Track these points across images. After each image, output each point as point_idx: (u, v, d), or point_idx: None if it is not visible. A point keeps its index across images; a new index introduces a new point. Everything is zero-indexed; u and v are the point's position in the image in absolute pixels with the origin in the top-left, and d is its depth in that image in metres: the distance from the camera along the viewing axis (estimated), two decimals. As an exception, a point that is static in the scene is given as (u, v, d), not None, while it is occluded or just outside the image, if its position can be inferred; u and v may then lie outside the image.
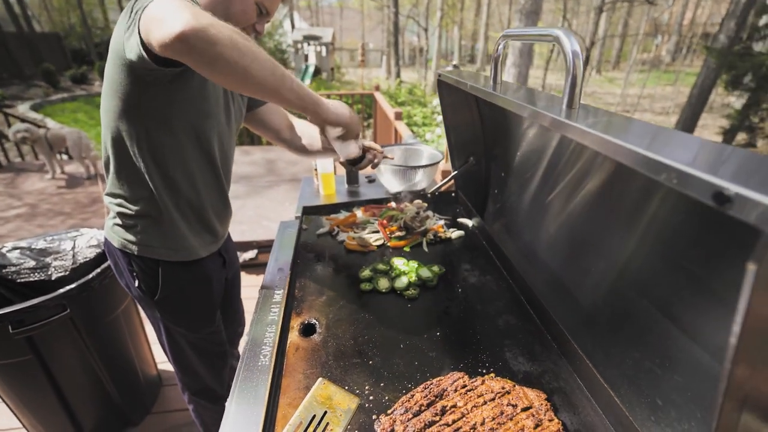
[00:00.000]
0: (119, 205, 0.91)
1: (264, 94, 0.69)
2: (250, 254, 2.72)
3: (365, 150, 1.06)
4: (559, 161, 0.88)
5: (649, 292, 0.62)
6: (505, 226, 1.25)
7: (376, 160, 1.08)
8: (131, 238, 0.92)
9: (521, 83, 7.36)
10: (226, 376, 1.21)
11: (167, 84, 0.77)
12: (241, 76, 0.64)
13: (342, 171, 4.04)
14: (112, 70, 0.77)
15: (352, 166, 1.05)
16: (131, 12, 0.68)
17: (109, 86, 0.79)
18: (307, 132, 1.15)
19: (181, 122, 0.83)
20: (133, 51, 0.68)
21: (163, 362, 1.85)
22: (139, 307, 1.09)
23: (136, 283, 0.96)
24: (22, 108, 11.27)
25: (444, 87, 1.29)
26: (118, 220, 0.93)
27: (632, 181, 0.64)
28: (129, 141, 0.83)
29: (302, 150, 1.16)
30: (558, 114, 0.58)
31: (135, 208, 0.90)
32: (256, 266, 2.71)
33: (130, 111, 0.79)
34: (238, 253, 2.56)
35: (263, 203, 3.36)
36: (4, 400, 1.36)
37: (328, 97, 5.31)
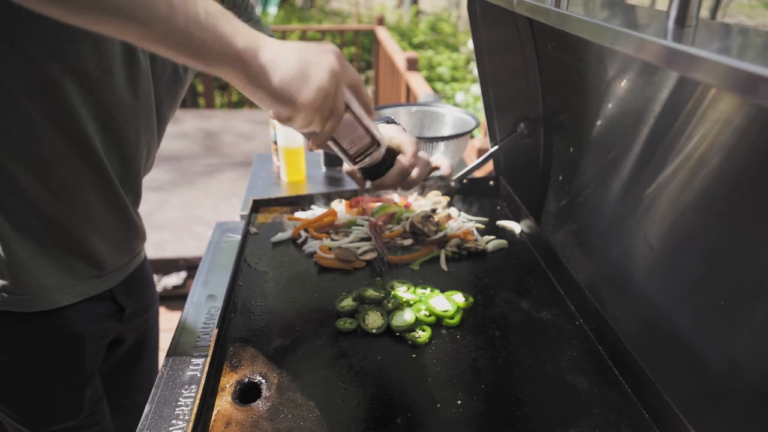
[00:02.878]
0: None
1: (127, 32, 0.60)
2: (174, 279, 2.74)
3: (391, 149, 0.95)
4: (670, 127, 0.86)
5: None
6: (576, 235, 1.24)
7: (415, 175, 0.99)
8: None
9: None
10: None
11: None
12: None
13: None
14: None
15: (371, 179, 0.97)
16: None
17: None
18: None
19: (19, 75, 0.77)
20: None
21: None
22: None
23: None
24: None
25: (479, 11, 1.29)
26: None
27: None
28: None
29: None
30: (662, 35, 0.56)
31: None
32: (182, 298, 2.71)
33: None
34: (156, 278, 2.55)
35: (197, 199, 3.38)
36: None
37: (304, 37, 5.29)
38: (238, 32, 0.65)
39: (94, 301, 1.00)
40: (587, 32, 0.70)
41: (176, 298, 2.70)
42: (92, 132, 0.86)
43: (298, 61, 0.69)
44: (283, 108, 0.71)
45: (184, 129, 4.52)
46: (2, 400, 0.99)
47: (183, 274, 2.77)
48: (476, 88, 5.50)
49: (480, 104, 5.22)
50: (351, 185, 1.56)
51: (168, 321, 1.42)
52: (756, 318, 0.70)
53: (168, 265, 2.73)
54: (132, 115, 0.91)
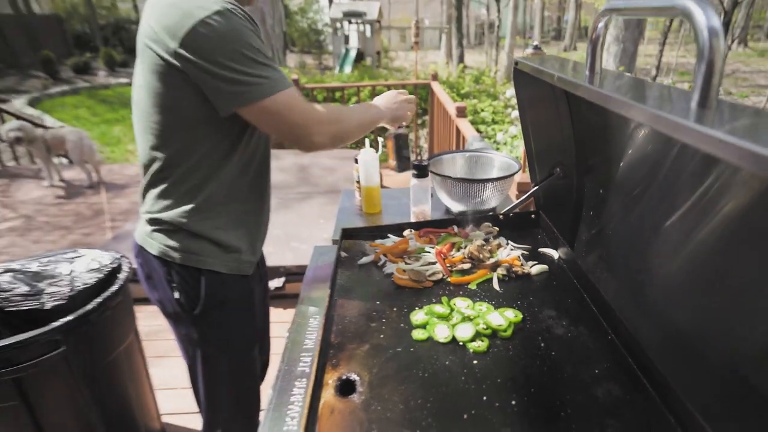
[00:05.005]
0: (164, 209, 1.05)
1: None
2: (276, 283, 2.81)
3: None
4: (682, 173, 0.84)
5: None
6: (605, 260, 1.22)
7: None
8: (174, 244, 1.05)
9: (628, 65, 7.14)
10: (256, 425, 1.28)
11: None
12: (336, 147, 1.11)
13: (390, 182, 4.08)
14: (170, 86, 0.95)
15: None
16: (234, 77, 0.91)
17: (165, 100, 0.96)
18: None
19: (257, 135, 1.10)
20: (224, 106, 0.95)
21: (169, 414, 1.94)
22: (173, 328, 1.22)
23: (176, 295, 1.09)
24: (18, 103, 12.51)
25: (522, 77, 1.29)
26: (160, 227, 1.06)
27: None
28: (195, 153, 1.01)
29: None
30: (686, 116, 0.56)
31: (183, 220, 1.04)
32: (282, 298, 2.80)
33: (196, 126, 0.99)
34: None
35: (293, 220, 3.47)
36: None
37: (374, 91, 5.42)
38: (376, 108, 1.26)
39: (255, 269, 1.25)
40: (617, 106, 0.70)
41: (277, 297, 2.80)
42: (266, 159, 1.21)
43: (393, 105, 1.30)
44: (394, 122, 1.32)
45: (283, 164, 4.67)
46: (210, 334, 1.17)
47: (282, 279, 2.86)
48: (513, 129, 5.44)
49: (516, 141, 5.19)
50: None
51: (271, 314, 1.50)
52: (756, 335, 0.68)
53: (272, 272, 2.82)
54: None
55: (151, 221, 1.08)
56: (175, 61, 0.90)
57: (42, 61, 15.70)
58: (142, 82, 0.99)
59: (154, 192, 1.06)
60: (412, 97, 1.37)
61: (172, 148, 1.01)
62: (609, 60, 7.20)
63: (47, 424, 1.40)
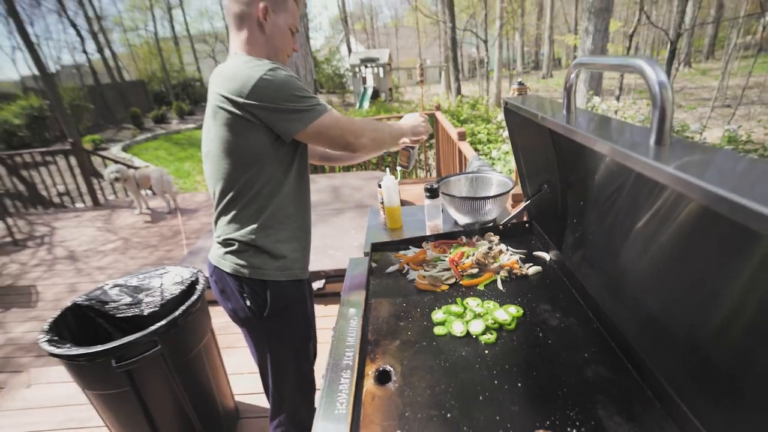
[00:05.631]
0: (234, 230, 1.10)
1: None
2: (318, 284, 2.84)
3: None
4: (644, 189, 0.83)
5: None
6: (588, 260, 1.19)
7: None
8: (243, 262, 1.09)
9: (595, 88, 7.00)
10: (313, 407, 1.30)
11: (294, 142, 1.08)
12: (378, 150, 1.19)
13: (406, 195, 4.09)
14: (238, 135, 1.01)
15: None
16: (293, 109, 0.99)
17: (232, 146, 1.02)
18: None
19: (299, 165, 1.13)
20: (290, 132, 1.01)
21: (240, 394, 1.97)
22: (245, 332, 1.24)
23: (248, 303, 1.12)
24: (115, 149, 12.99)
25: (511, 112, 1.28)
26: (231, 248, 1.10)
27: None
28: (256, 184, 1.05)
29: (324, 158, 1.42)
30: (646, 154, 0.56)
31: (251, 237, 1.08)
32: (323, 296, 2.82)
33: (258, 161, 1.03)
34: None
35: (329, 232, 3.49)
36: (107, 426, 1.53)
37: (388, 120, 5.40)
38: (396, 125, 1.24)
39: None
40: (590, 143, 0.70)
41: (319, 296, 2.81)
42: (309, 184, 1.23)
43: (411, 122, 1.30)
44: (414, 136, 1.31)
45: (318, 186, 4.72)
46: (277, 332, 1.19)
47: (323, 281, 2.88)
48: (505, 147, 5.38)
49: (509, 156, 5.13)
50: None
51: (317, 311, 1.51)
52: (708, 320, 0.66)
53: (313, 275, 2.84)
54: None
55: (224, 243, 1.11)
56: (243, 112, 0.97)
57: (131, 116, 16.38)
58: (212, 136, 1.04)
59: (225, 219, 1.10)
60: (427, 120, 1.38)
61: (237, 183, 1.05)
62: (580, 84, 7.07)
63: (151, 405, 1.45)
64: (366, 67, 18.82)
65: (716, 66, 21.08)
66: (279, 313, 1.15)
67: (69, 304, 1.61)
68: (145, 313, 1.71)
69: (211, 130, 1.04)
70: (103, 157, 6.22)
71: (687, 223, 0.70)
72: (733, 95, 13.82)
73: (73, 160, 5.71)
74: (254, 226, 1.08)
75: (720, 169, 0.47)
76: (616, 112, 5.12)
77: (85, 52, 20.78)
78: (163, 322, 1.40)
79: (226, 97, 0.98)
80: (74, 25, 19.62)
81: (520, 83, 2.09)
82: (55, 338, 1.41)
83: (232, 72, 0.98)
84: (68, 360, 1.31)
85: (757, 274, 0.55)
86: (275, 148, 1.04)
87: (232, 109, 0.98)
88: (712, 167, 0.48)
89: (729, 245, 0.60)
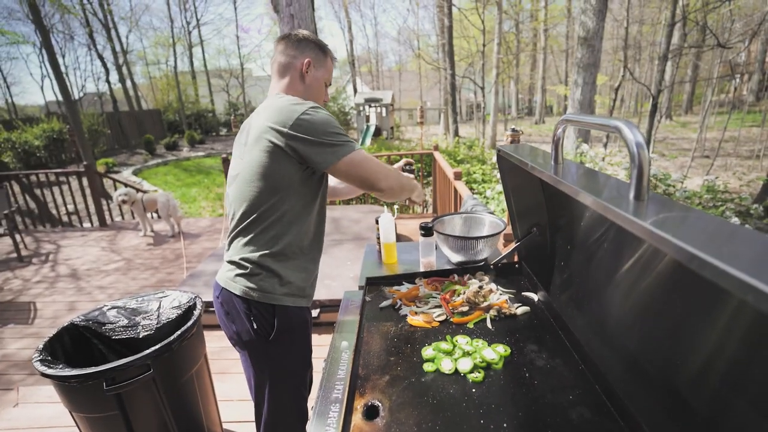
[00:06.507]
0: (249, 252, 1.10)
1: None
2: (313, 313, 2.80)
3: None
4: (626, 236, 0.84)
5: (745, 390, 0.55)
6: (574, 300, 1.19)
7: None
8: (252, 285, 1.09)
9: (584, 134, 7.16)
10: None
11: (320, 178, 1.14)
12: (397, 197, 1.19)
13: (402, 229, 4.09)
14: (274, 161, 1.05)
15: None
16: (329, 143, 1.04)
17: (266, 170, 1.06)
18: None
19: (321, 201, 1.17)
20: (324, 164, 1.05)
21: (228, 422, 1.90)
22: (245, 357, 1.20)
23: (254, 326, 1.11)
24: (126, 173, 13.08)
25: (504, 158, 1.31)
26: (243, 271, 1.10)
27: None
28: (280, 210, 1.08)
29: (331, 193, 1.44)
30: (626, 209, 0.57)
31: (266, 261, 1.09)
32: (318, 325, 2.77)
33: (285, 189, 1.07)
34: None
35: (327, 261, 3.46)
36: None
37: (389, 159, 5.46)
38: (413, 182, 1.25)
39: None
40: (574, 194, 0.72)
41: (313, 325, 2.73)
42: (325, 222, 1.24)
43: (420, 190, 1.31)
44: (417, 197, 1.31)
45: (318, 217, 4.72)
46: (280, 355, 1.17)
47: (317, 311, 2.84)
48: (499, 187, 5.46)
49: (502, 197, 5.18)
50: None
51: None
52: (685, 366, 0.65)
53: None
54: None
55: (237, 264, 1.11)
56: (284, 142, 1.03)
57: (144, 142, 16.61)
58: (248, 159, 1.08)
59: (242, 240, 1.11)
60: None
61: (262, 207, 1.08)
62: (570, 131, 7.23)
63: (137, 430, 1.39)
64: (370, 106, 19.29)
65: (694, 119, 21.81)
66: (283, 338, 1.13)
67: (66, 323, 1.57)
68: (140, 336, 1.68)
69: (246, 156, 1.09)
70: (114, 180, 6.26)
71: (664, 273, 0.71)
72: (711, 147, 14.23)
73: (85, 181, 5.74)
74: (270, 250, 1.10)
75: (693, 227, 0.49)
76: (603, 158, 5.23)
77: (108, 81, 21.35)
78: (157, 347, 1.36)
79: (271, 127, 1.03)
80: (101, 58, 20.25)
81: (514, 129, 2.15)
82: (48, 358, 1.37)
83: (280, 107, 1.05)
84: (59, 381, 1.27)
85: (728, 325, 0.56)
86: (304, 179, 1.09)
87: (274, 138, 1.03)
88: (685, 225, 0.50)
89: (702, 296, 0.61)
